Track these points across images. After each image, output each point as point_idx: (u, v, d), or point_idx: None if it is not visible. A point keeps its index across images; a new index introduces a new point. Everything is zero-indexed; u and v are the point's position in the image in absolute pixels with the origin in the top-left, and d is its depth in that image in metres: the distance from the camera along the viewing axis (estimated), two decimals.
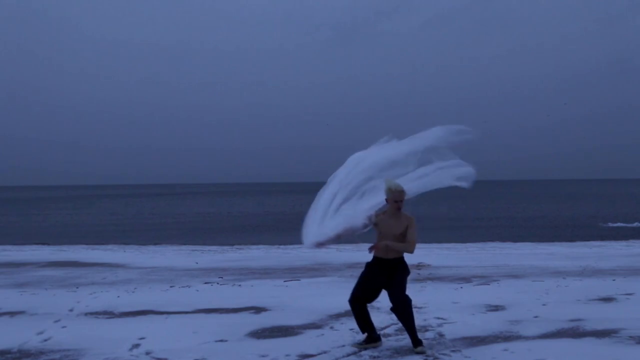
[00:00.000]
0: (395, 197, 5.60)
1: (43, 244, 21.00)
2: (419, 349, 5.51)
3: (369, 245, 5.69)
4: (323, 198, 5.87)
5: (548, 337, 6.08)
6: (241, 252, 17.01)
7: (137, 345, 5.93)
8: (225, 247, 18.61)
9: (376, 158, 5.95)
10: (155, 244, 20.86)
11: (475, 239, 21.55)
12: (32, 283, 10.77)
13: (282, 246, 18.64)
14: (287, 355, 5.52)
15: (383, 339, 5.95)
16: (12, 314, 7.66)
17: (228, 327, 6.65)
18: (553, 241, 20.18)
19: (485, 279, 10.33)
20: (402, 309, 5.53)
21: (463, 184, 5.89)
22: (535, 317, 7.01)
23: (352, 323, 6.65)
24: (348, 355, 5.55)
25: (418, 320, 6.84)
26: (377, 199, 5.78)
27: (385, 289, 5.67)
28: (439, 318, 6.99)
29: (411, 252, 5.57)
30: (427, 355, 5.45)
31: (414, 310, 7.40)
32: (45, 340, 6.23)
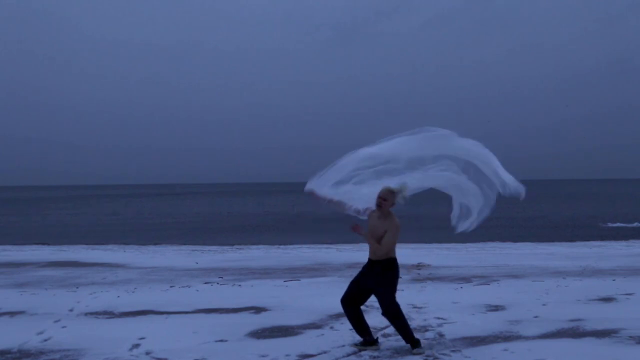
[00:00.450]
0: (379, 194, 5.56)
1: (43, 244, 21.00)
2: (416, 350, 5.50)
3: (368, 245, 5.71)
4: (346, 162, 5.83)
5: (548, 337, 6.08)
6: (241, 252, 17.01)
7: (137, 345, 5.93)
8: (225, 247, 18.61)
9: (411, 151, 5.80)
10: (155, 244, 20.86)
11: (475, 239, 21.46)
12: (32, 283, 10.77)
13: (282, 246, 18.64)
14: (287, 355, 5.52)
15: (383, 339, 5.95)
16: (12, 314, 7.66)
17: (228, 327, 6.64)
18: (553, 241, 20.16)
19: (485, 279, 10.33)
20: (391, 318, 5.57)
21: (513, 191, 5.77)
22: (535, 317, 7.01)
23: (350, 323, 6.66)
24: (348, 355, 5.55)
25: (418, 321, 6.85)
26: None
27: (374, 294, 5.67)
28: (439, 318, 6.99)
29: (378, 255, 5.56)
30: (427, 355, 5.45)
31: (414, 310, 7.43)
32: (45, 340, 6.23)
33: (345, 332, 6.35)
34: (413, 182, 5.73)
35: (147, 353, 5.67)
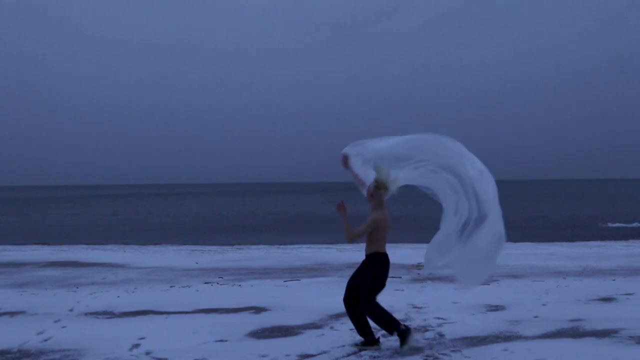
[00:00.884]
0: (368, 188, 5.66)
1: (43, 244, 21.00)
2: (405, 347, 5.49)
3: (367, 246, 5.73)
4: (390, 144, 5.77)
5: (548, 337, 6.08)
6: (241, 252, 17.01)
7: (137, 345, 5.93)
8: (225, 247, 18.61)
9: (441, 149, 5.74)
10: (155, 244, 20.86)
11: None
12: (32, 283, 10.77)
13: (282, 246, 18.64)
14: (287, 355, 5.52)
15: (383, 339, 5.95)
16: (12, 314, 7.66)
17: (228, 327, 6.65)
18: (553, 241, 20.16)
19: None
20: (368, 315, 5.59)
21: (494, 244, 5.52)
22: (535, 317, 7.02)
23: (352, 323, 6.66)
24: (348, 355, 5.55)
25: (418, 321, 6.85)
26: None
27: None
28: (439, 318, 6.99)
29: (346, 239, 5.59)
30: (427, 355, 5.45)
31: (414, 310, 7.44)
32: (45, 340, 6.23)
33: (345, 332, 6.35)
34: (415, 177, 5.73)
35: (147, 353, 5.67)
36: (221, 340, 6.12)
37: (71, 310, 7.81)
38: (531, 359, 5.32)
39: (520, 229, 28.00)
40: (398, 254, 10.55)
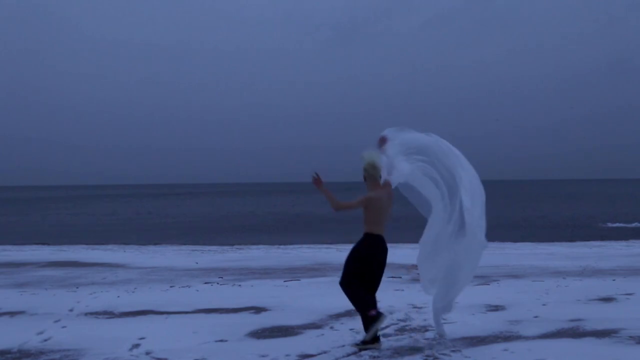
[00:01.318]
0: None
1: (43, 244, 21.01)
2: (368, 335, 5.62)
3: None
4: (411, 139, 5.88)
5: (548, 337, 6.08)
6: (241, 252, 17.02)
7: (137, 345, 5.93)
8: (225, 247, 18.62)
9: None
10: (155, 244, 20.87)
11: None
12: (32, 283, 10.78)
13: (282, 246, 18.65)
14: (287, 355, 5.52)
15: (383, 339, 5.95)
16: (12, 314, 7.66)
17: (228, 327, 6.65)
18: (553, 241, 20.17)
19: (485, 279, 10.32)
20: (343, 290, 5.77)
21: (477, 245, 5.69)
22: (535, 317, 7.01)
23: (352, 323, 6.67)
24: (348, 355, 5.55)
25: (418, 321, 6.85)
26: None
27: None
28: None
29: (332, 208, 5.68)
30: (427, 355, 5.46)
31: (414, 310, 7.43)
32: (45, 340, 6.23)
33: (345, 332, 6.35)
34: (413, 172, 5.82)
35: (147, 353, 5.67)
36: (221, 340, 6.12)
37: (71, 310, 7.81)
38: (531, 359, 5.31)
39: (520, 229, 28.03)
40: (398, 254, 10.53)
